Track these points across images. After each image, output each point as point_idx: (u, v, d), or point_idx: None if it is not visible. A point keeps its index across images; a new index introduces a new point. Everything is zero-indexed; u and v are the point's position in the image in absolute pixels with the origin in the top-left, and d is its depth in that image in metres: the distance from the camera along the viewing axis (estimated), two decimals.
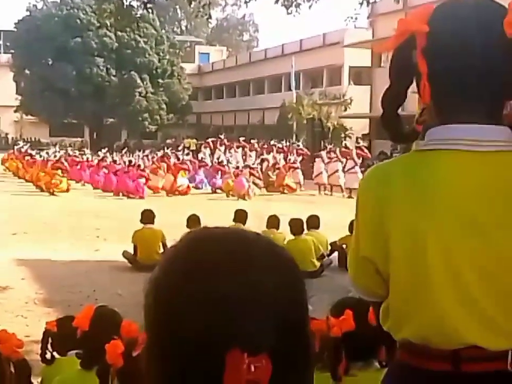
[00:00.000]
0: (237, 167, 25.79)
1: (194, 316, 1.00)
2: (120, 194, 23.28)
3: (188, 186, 24.50)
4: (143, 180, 23.41)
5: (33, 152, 31.20)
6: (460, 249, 1.67)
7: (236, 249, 1.05)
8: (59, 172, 24.21)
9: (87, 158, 30.02)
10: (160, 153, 27.92)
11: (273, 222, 10.98)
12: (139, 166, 25.02)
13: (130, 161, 25.07)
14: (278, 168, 26.08)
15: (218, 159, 28.38)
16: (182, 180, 24.50)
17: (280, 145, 31.23)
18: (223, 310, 0.99)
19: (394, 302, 1.78)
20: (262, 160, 28.36)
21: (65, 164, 26.57)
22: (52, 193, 23.20)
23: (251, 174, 25.12)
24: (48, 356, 3.87)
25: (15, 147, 34.64)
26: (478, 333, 1.66)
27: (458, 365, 1.68)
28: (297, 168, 26.57)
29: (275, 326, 1.00)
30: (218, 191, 25.14)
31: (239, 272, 1.02)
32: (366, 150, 26.62)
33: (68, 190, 23.81)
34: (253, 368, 0.97)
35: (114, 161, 26.91)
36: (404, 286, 1.74)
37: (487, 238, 1.66)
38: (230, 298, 1.00)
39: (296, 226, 10.44)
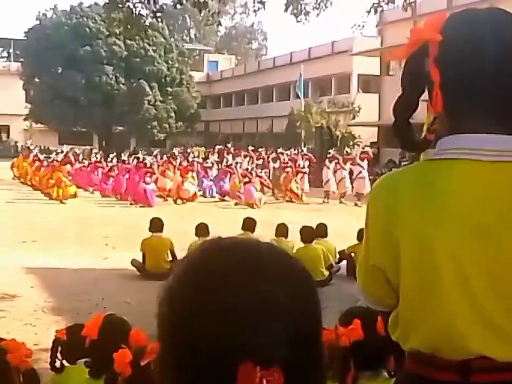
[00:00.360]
0: (246, 169, 25.79)
1: (207, 327, 1.00)
2: (129, 198, 23.29)
3: (195, 194, 24.46)
4: (152, 186, 23.33)
5: (42, 157, 31.05)
6: (469, 259, 1.67)
7: (248, 260, 1.05)
8: (67, 180, 24.13)
9: (97, 159, 30.05)
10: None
11: (282, 230, 10.97)
12: (147, 164, 24.83)
13: (138, 158, 24.84)
14: (287, 172, 25.98)
15: (227, 162, 28.35)
16: (190, 186, 24.44)
17: (288, 153, 31.22)
18: (236, 321, 0.99)
19: (404, 312, 1.77)
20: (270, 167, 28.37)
21: (72, 158, 26.61)
22: (60, 201, 23.25)
23: (261, 183, 25.13)
24: (57, 364, 3.87)
25: (25, 150, 34.38)
26: (486, 343, 1.65)
27: (468, 375, 1.67)
28: (305, 173, 26.51)
29: (288, 338, 1.00)
30: (226, 198, 25.15)
31: (251, 283, 1.02)
32: (369, 152, 26.60)
33: (75, 195, 23.80)
34: (265, 382, 0.96)
35: (124, 161, 26.82)
36: (413, 295, 1.73)
37: (496, 247, 1.65)
38: (243, 309, 1.00)
39: (306, 234, 10.41)
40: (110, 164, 27.83)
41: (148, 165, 25.32)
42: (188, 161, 26.93)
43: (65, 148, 27.20)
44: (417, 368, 1.75)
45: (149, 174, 23.66)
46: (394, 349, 2.81)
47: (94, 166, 28.07)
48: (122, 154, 27.36)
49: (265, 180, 26.13)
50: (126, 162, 26.40)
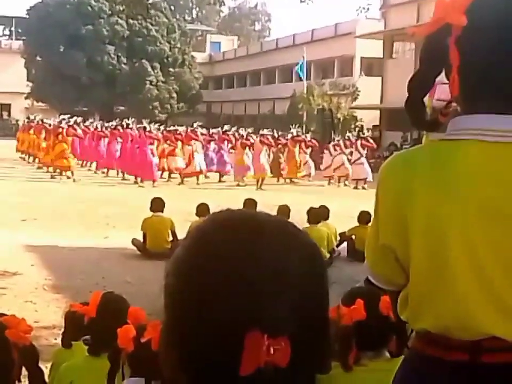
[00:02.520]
0: (242, 136, 25.33)
1: (214, 295, 1.00)
2: (130, 172, 23.31)
3: (200, 170, 24.34)
4: (156, 160, 23.29)
5: (49, 122, 30.12)
6: (483, 240, 1.66)
7: (258, 232, 1.06)
8: (68, 152, 23.99)
9: (96, 126, 29.58)
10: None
11: (283, 211, 10.94)
12: (151, 132, 24.32)
13: (145, 128, 24.28)
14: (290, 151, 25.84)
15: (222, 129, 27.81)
16: (198, 158, 24.34)
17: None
18: (243, 290, 1.00)
19: (414, 291, 1.77)
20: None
21: (79, 130, 26.41)
22: (62, 172, 23.32)
23: (262, 142, 24.88)
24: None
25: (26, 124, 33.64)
26: (498, 323, 1.65)
27: (479, 355, 1.67)
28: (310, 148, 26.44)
29: (295, 308, 1.01)
30: (226, 175, 25.12)
31: (260, 254, 1.03)
32: (371, 141, 26.44)
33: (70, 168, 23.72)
34: (272, 350, 0.97)
35: (128, 126, 25.92)
36: (423, 275, 1.73)
37: (507, 227, 1.65)
38: (251, 279, 1.00)
39: (314, 215, 10.42)
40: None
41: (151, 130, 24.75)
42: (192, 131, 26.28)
43: (69, 119, 26.38)
44: (427, 348, 1.75)
45: (154, 143, 23.58)
46: (396, 329, 2.82)
47: (97, 136, 27.56)
48: (124, 121, 26.43)
49: (267, 139, 25.83)
50: (131, 128, 25.45)
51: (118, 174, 24.99)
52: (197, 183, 23.42)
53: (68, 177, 23.19)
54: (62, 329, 4.20)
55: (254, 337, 0.97)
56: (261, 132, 26.49)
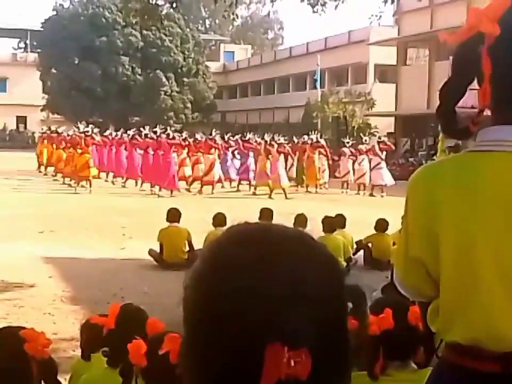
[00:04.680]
0: (266, 142, 25.05)
1: (234, 308, 1.00)
2: (151, 181, 23.34)
3: (220, 179, 24.27)
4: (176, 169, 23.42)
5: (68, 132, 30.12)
6: (509, 251, 1.66)
7: (276, 243, 1.06)
8: (91, 161, 24.07)
9: (116, 135, 29.54)
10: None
11: (301, 220, 10.91)
12: (174, 138, 24.12)
13: (168, 135, 23.90)
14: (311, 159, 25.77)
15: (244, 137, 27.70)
16: (217, 166, 24.36)
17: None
18: (263, 302, 0.99)
19: (444, 303, 1.77)
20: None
21: (97, 138, 26.45)
22: (86, 182, 23.39)
23: (279, 151, 24.76)
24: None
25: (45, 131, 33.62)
26: None
27: (509, 366, 1.67)
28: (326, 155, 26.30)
29: (315, 320, 1.01)
30: (248, 181, 25.14)
31: (279, 266, 1.02)
32: (388, 143, 26.20)
33: (99, 176, 23.70)
34: (292, 363, 0.96)
35: (146, 135, 25.84)
36: (453, 287, 1.73)
37: None
38: (270, 291, 1.00)
39: (328, 224, 10.39)
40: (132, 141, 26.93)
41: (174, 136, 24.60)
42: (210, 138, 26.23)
43: (87, 128, 26.46)
44: (458, 359, 1.75)
45: (176, 150, 23.65)
46: (424, 340, 2.80)
47: (117, 144, 27.58)
48: (141, 130, 26.34)
49: (284, 148, 25.61)
50: (151, 137, 25.29)
51: (136, 184, 25.03)
52: (211, 192, 23.45)
53: (83, 186, 23.26)
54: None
55: (275, 350, 0.96)
56: (277, 141, 26.35)
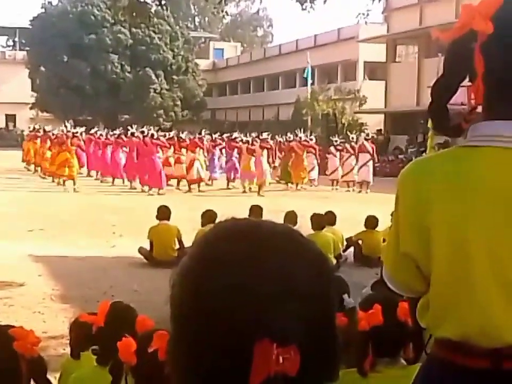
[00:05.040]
0: (248, 142, 25.08)
1: (221, 304, 1.00)
2: (138, 180, 23.32)
3: (200, 178, 24.11)
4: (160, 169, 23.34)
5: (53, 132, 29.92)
6: (504, 247, 1.66)
7: (264, 239, 1.06)
8: (71, 161, 23.97)
9: (100, 135, 29.43)
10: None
11: (291, 217, 10.92)
12: (158, 138, 24.06)
13: (152, 135, 23.83)
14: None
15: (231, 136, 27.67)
16: (196, 165, 24.19)
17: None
18: (251, 299, 0.99)
19: (435, 299, 1.77)
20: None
21: (82, 141, 26.40)
22: (65, 181, 23.32)
23: (262, 147, 24.76)
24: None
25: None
26: None
27: (500, 362, 1.67)
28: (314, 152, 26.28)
29: (304, 317, 1.01)
30: (234, 183, 25.10)
31: (267, 262, 1.02)
32: (366, 144, 26.03)
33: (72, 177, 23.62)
34: (281, 359, 0.96)
35: (133, 134, 25.60)
36: (445, 283, 1.73)
37: None
38: (258, 287, 1.00)
39: (317, 221, 10.40)
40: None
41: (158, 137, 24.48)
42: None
43: (76, 129, 26.43)
44: (447, 354, 1.75)
45: (160, 149, 23.60)
46: (413, 336, 2.81)
47: (103, 144, 27.56)
48: (129, 128, 26.29)
49: (267, 143, 25.65)
50: (137, 136, 25.16)
51: (124, 182, 25.01)
52: (198, 191, 23.43)
53: (63, 185, 23.20)
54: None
55: (264, 347, 0.96)
56: (260, 137, 26.27)
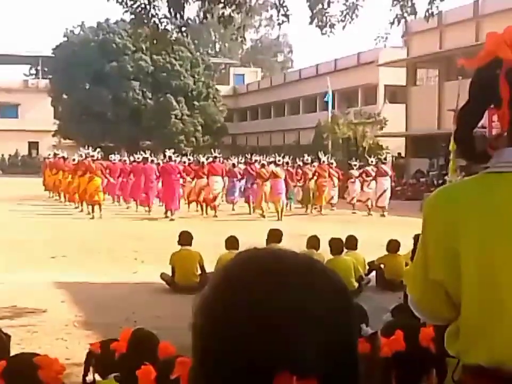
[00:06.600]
0: (263, 165, 25.04)
1: (242, 336, 1.00)
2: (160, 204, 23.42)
3: (215, 197, 24.14)
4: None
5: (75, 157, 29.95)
6: None
7: (285, 270, 1.05)
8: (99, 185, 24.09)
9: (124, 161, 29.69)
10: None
11: (313, 242, 10.89)
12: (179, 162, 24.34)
13: (170, 157, 24.11)
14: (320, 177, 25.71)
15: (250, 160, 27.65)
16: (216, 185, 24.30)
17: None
18: (271, 331, 0.99)
19: (466, 325, 1.75)
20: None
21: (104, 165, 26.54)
22: (93, 207, 23.34)
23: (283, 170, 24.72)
24: (90, 377, 3.88)
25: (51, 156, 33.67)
26: None
27: None
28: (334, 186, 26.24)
29: (324, 348, 1.00)
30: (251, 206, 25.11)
31: (288, 293, 1.02)
32: (383, 167, 25.90)
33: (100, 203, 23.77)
34: None
35: (152, 161, 25.99)
36: (478, 309, 1.71)
37: None
38: (279, 319, 0.99)
39: (336, 246, 10.36)
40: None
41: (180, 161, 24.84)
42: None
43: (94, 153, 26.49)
44: (478, 381, 1.73)
45: (182, 175, 23.74)
46: (436, 362, 2.78)
47: (124, 171, 27.56)
48: (142, 155, 26.36)
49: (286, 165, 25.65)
50: (156, 163, 25.60)
51: (145, 208, 25.09)
52: (214, 216, 23.49)
53: (93, 212, 23.22)
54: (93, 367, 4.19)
55: (284, 379, 0.96)
56: (279, 160, 26.08)
